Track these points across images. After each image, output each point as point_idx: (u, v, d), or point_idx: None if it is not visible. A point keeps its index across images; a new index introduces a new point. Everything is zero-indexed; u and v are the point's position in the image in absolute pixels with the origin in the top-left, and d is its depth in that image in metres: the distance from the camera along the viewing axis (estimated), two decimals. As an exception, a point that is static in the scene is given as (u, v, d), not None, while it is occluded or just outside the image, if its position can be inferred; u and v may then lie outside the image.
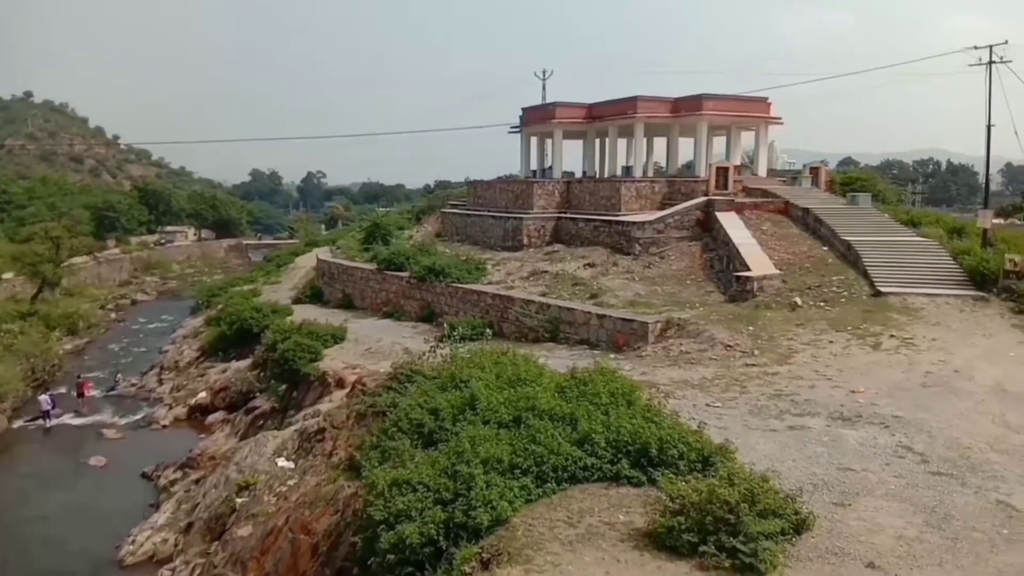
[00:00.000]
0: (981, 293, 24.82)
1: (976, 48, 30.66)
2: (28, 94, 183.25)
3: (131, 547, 20.92)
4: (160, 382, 39.71)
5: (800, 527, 9.82)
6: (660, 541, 9.53)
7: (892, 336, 21.30)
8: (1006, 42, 30.24)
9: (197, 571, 18.67)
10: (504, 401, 13.66)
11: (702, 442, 11.74)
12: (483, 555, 9.67)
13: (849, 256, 27.88)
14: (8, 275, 55.84)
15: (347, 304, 39.90)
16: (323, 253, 50.95)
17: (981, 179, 41.51)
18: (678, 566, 9.12)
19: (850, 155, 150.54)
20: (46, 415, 33.45)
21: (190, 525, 21.07)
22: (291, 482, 18.93)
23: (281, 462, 20.55)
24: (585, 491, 11.14)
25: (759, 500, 9.62)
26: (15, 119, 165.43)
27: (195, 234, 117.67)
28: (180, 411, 33.73)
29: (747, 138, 45.88)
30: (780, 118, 42.62)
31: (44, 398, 34.39)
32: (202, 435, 29.89)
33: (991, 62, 30.15)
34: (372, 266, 39.15)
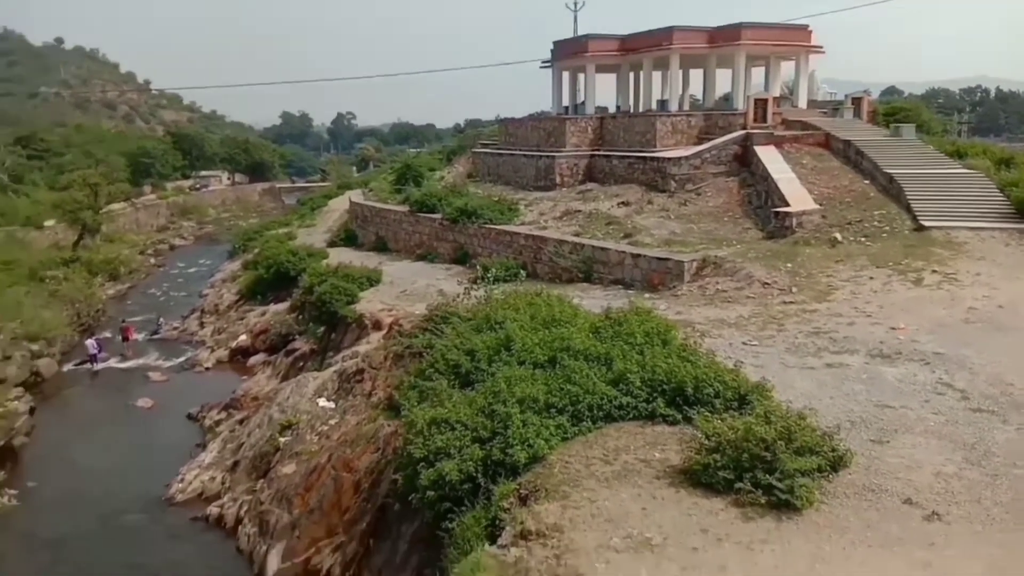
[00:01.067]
0: (1029, 226, 24.08)
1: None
2: (59, 40, 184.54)
3: (180, 485, 21.72)
4: (201, 325, 40.61)
5: (837, 464, 9.80)
6: (696, 478, 9.60)
7: (934, 271, 20.85)
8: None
9: (244, 508, 19.37)
10: (539, 342, 13.72)
11: (738, 380, 11.71)
12: (521, 491, 9.85)
13: (891, 190, 27.14)
14: (50, 223, 57.02)
15: (381, 247, 40.11)
16: (356, 196, 51.05)
17: (1032, 107, 39.85)
18: (714, 502, 9.20)
19: (894, 84, 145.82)
20: (93, 359, 34.48)
21: (236, 464, 21.77)
22: (332, 421, 19.39)
23: (322, 402, 21.02)
24: (621, 429, 11.23)
25: (795, 438, 9.59)
26: (48, 67, 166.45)
27: (229, 178, 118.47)
28: (222, 353, 34.55)
29: (787, 68, 44.44)
30: (821, 47, 41.11)
31: (90, 342, 35.40)
32: (244, 377, 30.63)
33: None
34: (404, 208, 39.16)
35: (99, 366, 34.39)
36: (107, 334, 39.47)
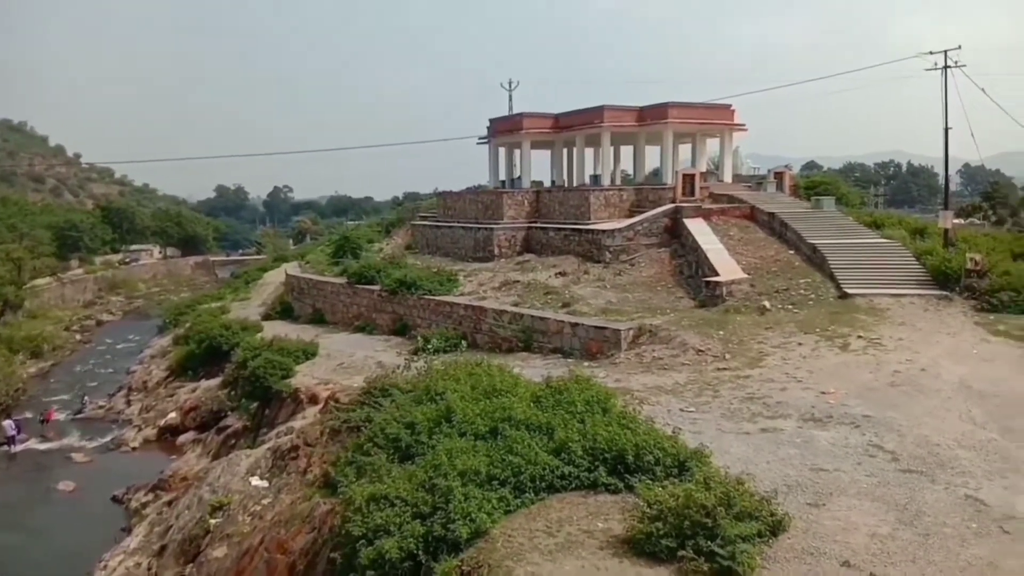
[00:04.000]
0: (944, 292, 25.37)
1: (932, 53, 31.37)
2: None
3: (103, 573, 20.52)
4: (128, 403, 39.04)
5: (776, 528, 9.94)
6: (639, 547, 9.58)
7: (860, 337, 21.66)
8: (959, 47, 30.98)
9: (171, 595, 18.33)
10: (480, 412, 13.65)
11: (677, 447, 11.85)
12: (463, 568, 9.64)
13: (815, 259, 28.33)
14: (-32, 298, 54.60)
15: (318, 319, 39.57)
16: (292, 268, 50.51)
17: (941, 180, 42.48)
18: (657, 572, 9.18)
19: (813, 159, 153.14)
20: (11, 440, 32.74)
21: (163, 548, 20.67)
22: (265, 501, 18.67)
23: (255, 481, 20.27)
24: (563, 500, 11.17)
25: (735, 503, 9.73)
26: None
27: (160, 252, 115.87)
28: (150, 432, 33.19)
29: (712, 144, 46.47)
30: (744, 124, 43.30)
31: (8, 423, 33.64)
32: (173, 456, 29.42)
33: (946, 66, 30.85)
34: (342, 280, 38.90)
35: (17, 448, 32.61)
36: (28, 414, 37.58)
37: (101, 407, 39.22)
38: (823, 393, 16.99)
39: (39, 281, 66.15)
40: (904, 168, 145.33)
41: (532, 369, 20.46)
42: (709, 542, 9.12)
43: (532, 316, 26.55)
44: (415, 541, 10.28)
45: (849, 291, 25.57)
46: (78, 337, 62.53)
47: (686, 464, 11.41)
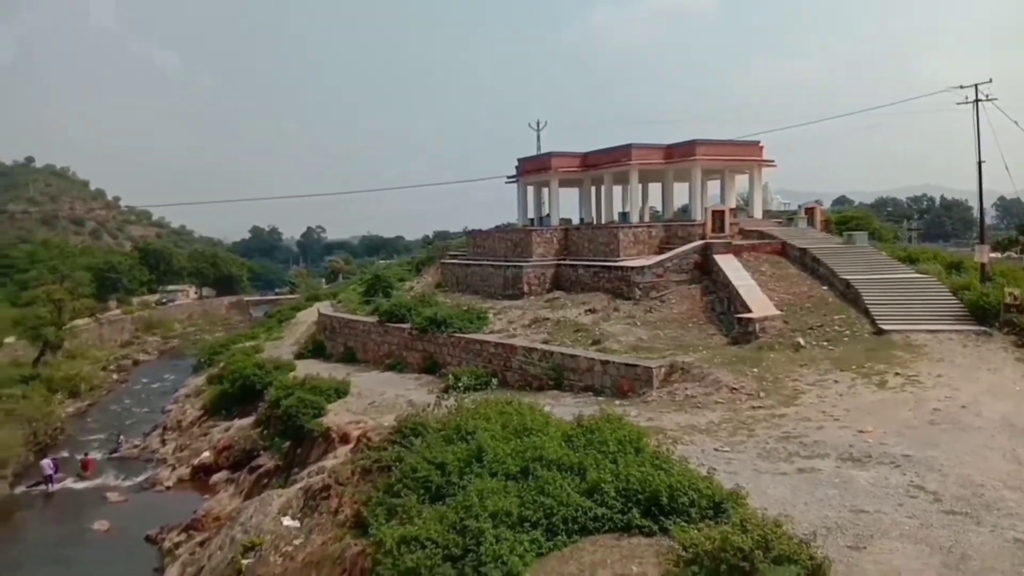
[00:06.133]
0: (983, 328, 24.82)
1: (962, 87, 31.17)
2: (30, 159, 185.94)
3: (135, 614, 20.53)
4: (163, 443, 39.40)
5: (816, 572, 9.63)
6: (675, 592, 9.39)
7: (897, 374, 21.25)
8: (990, 80, 30.74)
9: (203, 637, 18.28)
10: (511, 452, 13.57)
11: (712, 488, 11.64)
12: (495, 612, 9.52)
13: (849, 295, 27.96)
14: (10, 339, 55.83)
15: (349, 358, 39.83)
16: (324, 307, 51.05)
17: (975, 214, 41.86)
18: (694, 617, 8.97)
19: (844, 194, 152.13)
20: (49, 480, 33.12)
21: (195, 589, 20.69)
22: (297, 541, 18.64)
23: (286, 521, 20.25)
24: (596, 542, 11.01)
25: (773, 546, 9.48)
26: (17, 184, 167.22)
27: (196, 292, 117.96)
28: (183, 471, 33.40)
29: (741, 181, 46.39)
30: (773, 160, 43.21)
31: (46, 462, 34.05)
32: (206, 495, 29.55)
33: (977, 100, 30.61)
34: (373, 319, 39.20)
35: (55, 487, 33.00)
36: (65, 453, 38.07)
37: (136, 446, 39.63)
38: (861, 432, 16.65)
39: (78, 322, 67.48)
40: (937, 202, 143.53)
41: (563, 407, 20.33)
42: (747, 586, 8.92)
43: (562, 354, 26.47)
44: (447, 584, 10.19)
45: (885, 327, 25.15)
46: (115, 377, 63.54)
47: (722, 505, 11.19)
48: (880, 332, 24.96)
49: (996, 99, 30.67)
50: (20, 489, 33.32)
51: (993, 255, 33.91)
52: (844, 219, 44.57)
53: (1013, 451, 15.03)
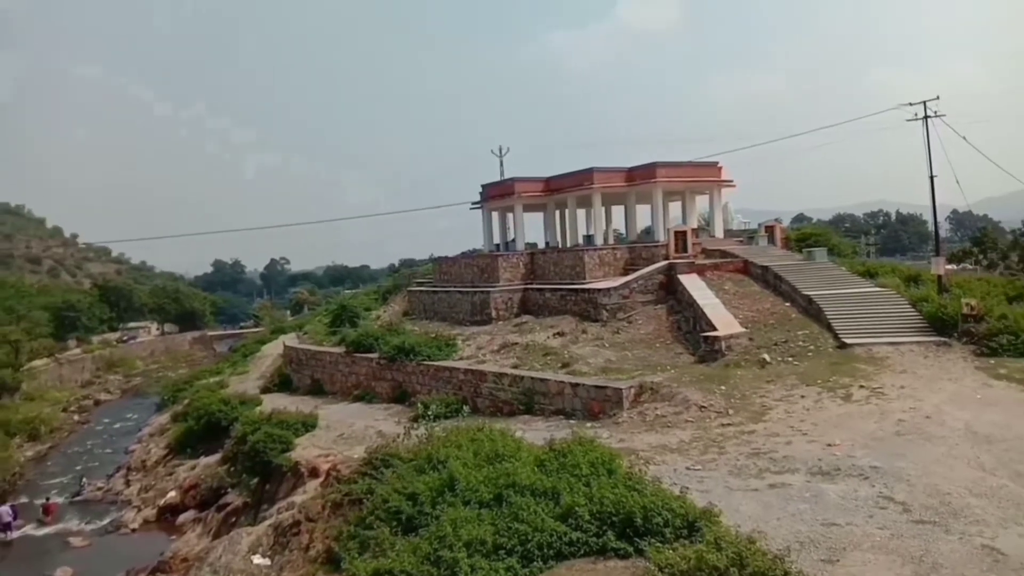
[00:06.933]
0: (942, 338, 25.36)
1: (911, 104, 32.08)
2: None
3: (100, 663, 19.86)
4: (127, 484, 38.37)
5: (791, 588, 9.72)
6: (652, 613, 9.36)
7: (862, 387, 21.58)
8: (937, 97, 31.70)
9: None
10: (483, 479, 13.49)
11: (686, 507, 11.67)
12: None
13: (811, 310, 28.41)
14: (-36, 383, 54.21)
15: (317, 390, 39.34)
16: (290, 340, 50.42)
17: (930, 227, 42.88)
18: (672, 638, 8.94)
19: (802, 211, 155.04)
20: (7, 527, 31.99)
21: (163, 634, 20.10)
22: (268, 580, 18.24)
23: (257, 559, 19.84)
24: (572, 567, 10.95)
25: (748, 563, 9.51)
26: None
27: (158, 329, 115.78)
28: (149, 513, 32.53)
29: (702, 201, 47.10)
30: (732, 181, 43.97)
31: (4, 509, 32.89)
32: (173, 536, 28.80)
33: (926, 116, 31.51)
34: (340, 349, 38.81)
35: (14, 534, 31.89)
36: (24, 499, 36.84)
37: (99, 488, 38.52)
38: (829, 445, 16.83)
39: (37, 362, 65.87)
40: (893, 217, 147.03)
41: (534, 432, 20.27)
42: (723, 605, 8.92)
43: (532, 378, 26.44)
44: (422, 616, 10.04)
45: (848, 341, 25.57)
46: (76, 418, 61.81)
47: (696, 524, 11.21)
48: (843, 346, 25.37)
49: (944, 115, 31.64)
50: (-24, 538, 32.15)
51: (949, 267, 34.77)
52: (803, 236, 45.39)
53: (977, 458, 15.31)
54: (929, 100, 31.82)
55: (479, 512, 12.35)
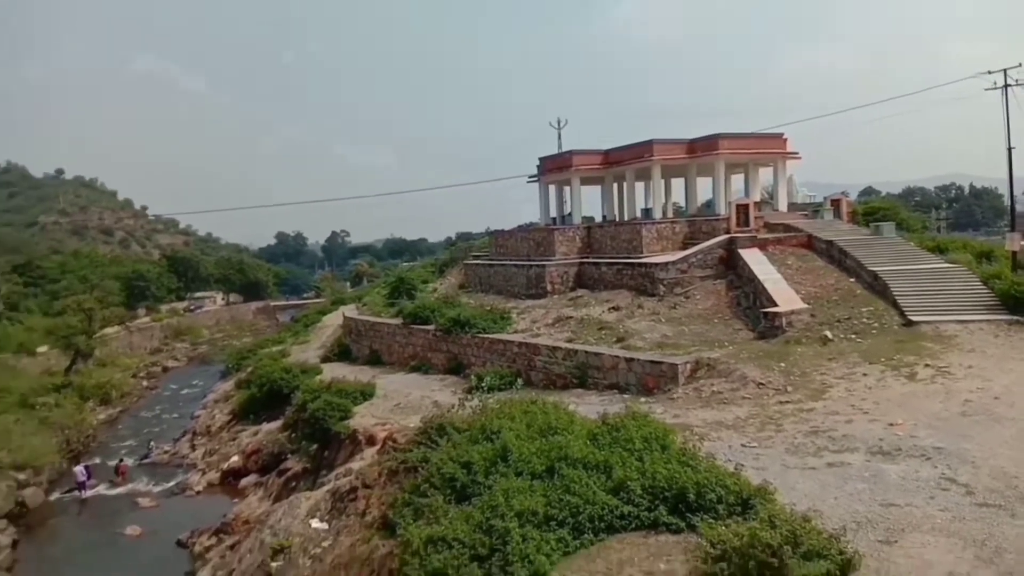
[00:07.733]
0: (1015, 317, 24.34)
1: (991, 72, 30.65)
2: (60, 171, 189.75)
3: (169, 617, 20.77)
4: (193, 448, 39.89)
5: (846, 568, 9.51)
6: (703, 589, 9.31)
7: (927, 365, 20.90)
8: (1020, 65, 30.23)
9: (235, 639, 18.45)
10: (536, 451, 13.55)
11: (740, 484, 11.53)
12: (523, 611, 9.50)
13: (877, 286, 27.57)
14: (43, 348, 56.86)
15: (375, 360, 40.05)
16: (349, 311, 51.39)
17: (1005, 201, 41.06)
18: (723, 614, 8.88)
19: (870, 184, 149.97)
20: (81, 486, 33.69)
21: (227, 592, 20.90)
22: (325, 543, 18.76)
23: (315, 523, 20.41)
24: (623, 540, 10.95)
25: (802, 542, 9.37)
26: (48, 196, 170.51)
27: (223, 299, 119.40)
28: (213, 476, 33.78)
29: (765, 174, 45.96)
30: (797, 152, 42.77)
31: (79, 469, 34.67)
32: (235, 499, 29.87)
33: (1007, 85, 30.09)
34: (398, 321, 39.37)
35: (88, 493, 33.57)
36: (97, 460, 38.67)
37: (166, 452, 40.16)
38: (891, 425, 16.39)
39: (108, 330, 68.60)
40: (966, 191, 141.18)
41: (588, 406, 20.25)
42: (776, 583, 8.81)
43: (586, 352, 26.38)
44: (473, 584, 10.20)
45: (914, 318, 24.76)
46: (145, 383, 64.47)
47: (750, 502, 11.08)
48: (909, 323, 24.58)
49: (1025, 84, 30.13)
50: (55, 495, 33.93)
51: (1024, 243, 33.18)
52: (871, 210, 43.91)
53: (1049, 442, 14.71)
54: (1010, 68, 30.35)
55: (531, 483, 12.43)
